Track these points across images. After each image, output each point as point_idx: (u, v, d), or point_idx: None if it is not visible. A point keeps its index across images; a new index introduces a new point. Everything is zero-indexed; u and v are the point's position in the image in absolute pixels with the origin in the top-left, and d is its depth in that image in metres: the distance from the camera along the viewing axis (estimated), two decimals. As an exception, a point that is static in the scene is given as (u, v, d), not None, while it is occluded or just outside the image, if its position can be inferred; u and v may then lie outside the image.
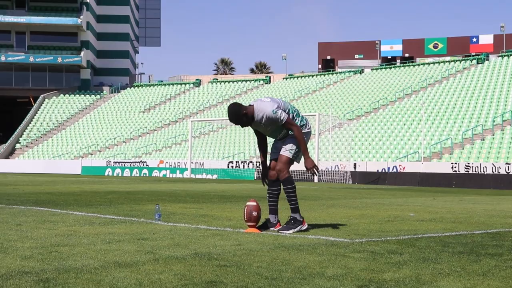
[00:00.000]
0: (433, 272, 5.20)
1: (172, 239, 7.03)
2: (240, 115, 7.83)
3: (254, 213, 7.92)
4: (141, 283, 4.55)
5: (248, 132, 60.35)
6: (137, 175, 52.13)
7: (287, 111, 7.94)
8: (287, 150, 8.03)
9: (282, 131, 8.04)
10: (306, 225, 8.17)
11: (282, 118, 7.79)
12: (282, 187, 8.18)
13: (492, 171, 38.06)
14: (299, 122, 8.05)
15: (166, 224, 8.82)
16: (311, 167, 7.92)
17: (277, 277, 4.83)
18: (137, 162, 57.18)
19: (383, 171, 41.93)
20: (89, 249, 6.12)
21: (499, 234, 8.16)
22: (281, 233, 7.90)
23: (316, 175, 8.23)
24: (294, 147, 8.02)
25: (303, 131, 8.00)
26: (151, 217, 9.62)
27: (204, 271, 5.02)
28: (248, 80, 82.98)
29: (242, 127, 8.18)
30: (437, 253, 6.26)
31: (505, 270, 5.37)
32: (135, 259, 5.55)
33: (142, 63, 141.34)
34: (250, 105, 7.97)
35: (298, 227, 8.01)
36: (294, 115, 8.03)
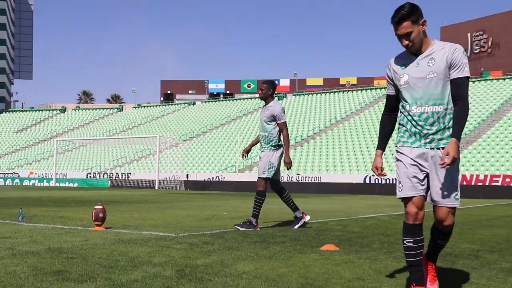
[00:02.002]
0: (234, 257, 5.29)
1: (31, 237, 6.64)
2: (270, 86, 8.14)
3: (101, 215, 7.70)
4: (-1, 275, 4.27)
5: (103, 149, 58.53)
6: (10, 184, 48.75)
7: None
8: (262, 172, 8.06)
9: (269, 131, 8.05)
10: (258, 229, 7.99)
11: (282, 118, 8.02)
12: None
13: (287, 180, 39.50)
14: (278, 140, 8.14)
15: (28, 224, 8.32)
16: (288, 162, 7.99)
17: (114, 265, 4.72)
18: (10, 173, 53.55)
19: (209, 180, 42.24)
20: (-44, 248, 5.64)
21: (285, 226, 8.43)
22: (236, 227, 7.89)
23: (288, 168, 8.11)
24: (267, 167, 8.02)
25: (274, 149, 8.07)
26: (15, 219, 9.03)
27: (54, 263, 4.80)
28: (105, 108, 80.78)
29: (260, 94, 8.18)
30: (239, 243, 6.36)
31: (285, 253, 5.58)
32: (-5, 255, 5.18)
33: (16, 93, 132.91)
34: (275, 100, 8.19)
35: (251, 229, 7.88)
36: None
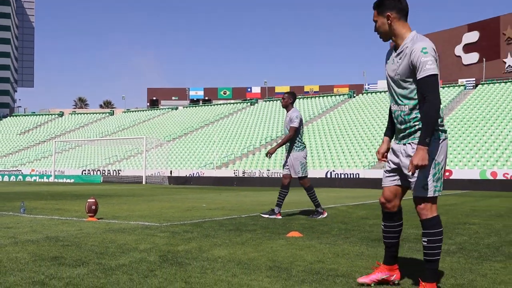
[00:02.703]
0: (211, 244, 5.25)
1: (31, 227, 6.51)
2: (291, 96, 8.13)
3: (93, 207, 7.59)
4: (1, 260, 4.19)
5: (96, 149, 57.76)
6: (14, 180, 47.74)
7: (300, 126, 8.04)
8: (297, 173, 8.02)
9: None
10: (326, 214, 8.20)
11: (294, 122, 7.96)
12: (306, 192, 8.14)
13: (259, 175, 39.57)
14: (299, 143, 8.06)
15: (29, 216, 8.16)
16: (270, 152, 7.94)
17: (104, 252, 4.66)
18: (14, 170, 52.47)
19: (190, 175, 42.00)
20: (-38, 238, 5.49)
21: (256, 216, 8.44)
22: (313, 217, 7.99)
23: (267, 156, 8.04)
24: (300, 167, 8.02)
25: (299, 150, 8.02)
26: (17, 211, 8.86)
27: (51, 250, 4.72)
28: (98, 113, 79.80)
29: (282, 102, 8.18)
30: (215, 231, 6.32)
31: (256, 240, 5.57)
32: (-2, 244, 5.06)
33: (20, 99, 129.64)
34: (294, 108, 8.13)
35: (320, 216, 8.02)
36: (301, 131, 8.14)
